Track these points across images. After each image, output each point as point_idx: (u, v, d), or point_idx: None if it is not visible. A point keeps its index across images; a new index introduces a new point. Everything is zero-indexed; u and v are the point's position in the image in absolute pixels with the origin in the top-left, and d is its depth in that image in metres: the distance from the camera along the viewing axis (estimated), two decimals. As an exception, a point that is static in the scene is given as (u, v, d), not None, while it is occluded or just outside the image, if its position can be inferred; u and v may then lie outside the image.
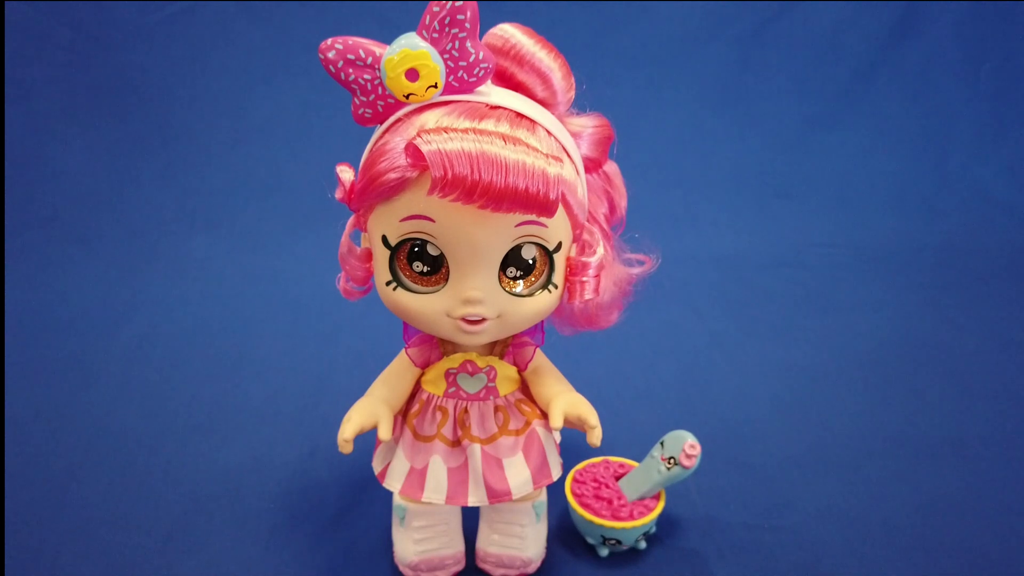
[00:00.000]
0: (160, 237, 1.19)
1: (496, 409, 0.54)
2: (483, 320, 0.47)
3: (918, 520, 0.67)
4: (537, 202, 0.42)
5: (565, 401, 0.52)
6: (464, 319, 0.47)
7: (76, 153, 1.23)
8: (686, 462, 0.59)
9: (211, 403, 0.84)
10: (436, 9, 0.41)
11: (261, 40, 1.28)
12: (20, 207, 1.18)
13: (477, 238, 0.44)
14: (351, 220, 0.51)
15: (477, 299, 0.46)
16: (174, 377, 0.89)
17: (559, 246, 0.47)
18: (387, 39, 0.43)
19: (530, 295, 0.48)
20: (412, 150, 0.42)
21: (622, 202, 0.55)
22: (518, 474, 0.53)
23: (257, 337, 0.97)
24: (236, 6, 1.27)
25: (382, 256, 0.47)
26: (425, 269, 0.46)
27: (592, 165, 0.52)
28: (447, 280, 0.47)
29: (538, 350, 0.54)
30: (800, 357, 0.94)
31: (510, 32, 0.48)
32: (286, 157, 1.27)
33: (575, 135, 0.50)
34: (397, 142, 0.43)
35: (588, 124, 0.51)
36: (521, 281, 0.47)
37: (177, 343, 0.96)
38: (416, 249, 0.46)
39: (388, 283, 0.48)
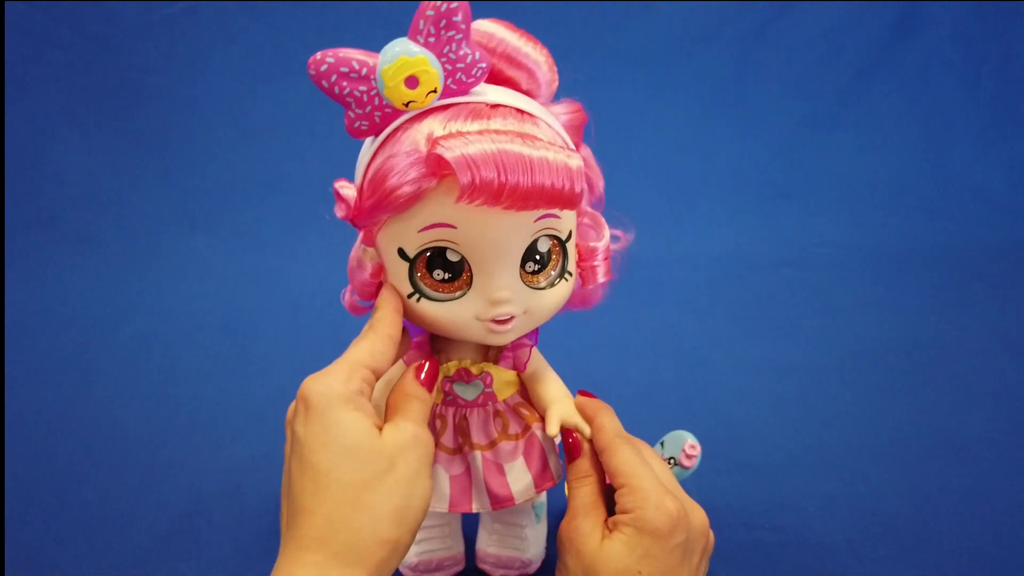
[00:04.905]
0: (160, 237, 1.19)
1: (496, 414, 0.54)
2: (512, 318, 0.47)
3: (918, 520, 0.67)
4: (563, 196, 0.42)
5: (562, 408, 0.52)
6: (494, 320, 0.46)
7: (76, 153, 1.23)
8: (686, 462, 0.59)
9: (211, 402, 0.84)
10: (430, 12, 0.40)
11: (261, 40, 1.28)
12: (20, 207, 1.18)
13: (500, 238, 0.44)
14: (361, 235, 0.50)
15: (506, 299, 0.46)
16: (174, 376, 0.88)
17: (570, 235, 0.48)
18: (389, 39, 0.42)
19: (550, 286, 0.48)
20: (435, 159, 0.41)
21: (599, 182, 0.55)
22: (519, 479, 0.53)
23: (257, 337, 0.97)
24: (236, 6, 1.27)
25: (400, 269, 0.46)
26: (446, 276, 0.46)
27: None
28: (470, 284, 0.46)
29: (534, 350, 0.54)
30: (800, 357, 0.94)
31: (493, 29, 0.47)
32: (286, 157, 1.27)
33: None
34: (404, 155, 0.42)
35: (563, 111, 0.51)
36: (540, 274, 0.47)
37: (177, 343, 0.96)
38: (435, 257, 0.45)
39: (411, 295, 0.47)
